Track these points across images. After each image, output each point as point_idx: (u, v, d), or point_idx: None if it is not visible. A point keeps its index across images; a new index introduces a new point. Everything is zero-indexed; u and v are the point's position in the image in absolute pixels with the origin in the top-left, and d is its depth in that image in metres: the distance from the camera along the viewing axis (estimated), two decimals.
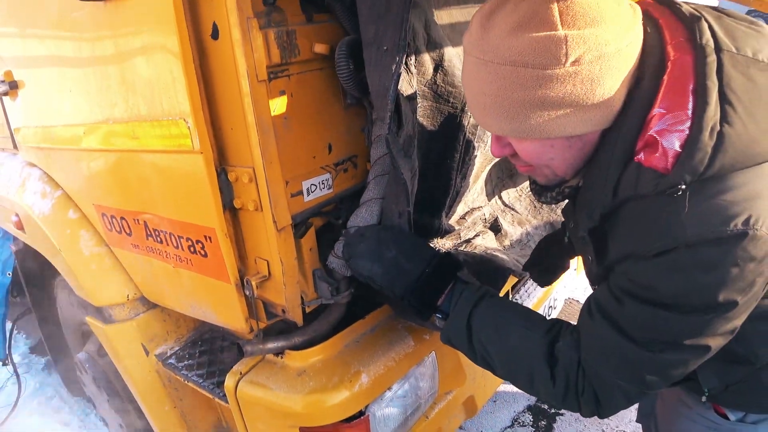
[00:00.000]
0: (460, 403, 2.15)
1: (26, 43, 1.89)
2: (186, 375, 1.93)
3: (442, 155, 1.71)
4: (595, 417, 1.21)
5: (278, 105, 1.36)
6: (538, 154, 1.06)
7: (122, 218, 1.83)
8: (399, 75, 1.27)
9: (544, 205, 2.41)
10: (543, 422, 3.13)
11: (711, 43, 0.95)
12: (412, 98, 1.42)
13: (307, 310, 1.59)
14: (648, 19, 1.03)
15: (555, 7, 0.90)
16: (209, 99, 1.37)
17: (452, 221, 2.01)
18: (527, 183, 2.45)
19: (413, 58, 1.38)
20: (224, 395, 1.75)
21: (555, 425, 3.11)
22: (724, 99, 0.90)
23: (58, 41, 1.70)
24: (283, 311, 1.55)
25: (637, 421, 1.85)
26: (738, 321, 0.99)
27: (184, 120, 1.35)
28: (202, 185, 1.40)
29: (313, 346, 1.68)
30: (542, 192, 1.23)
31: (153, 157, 1.55)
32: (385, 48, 1.29)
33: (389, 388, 1.74)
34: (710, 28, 0.97)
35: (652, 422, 1.63)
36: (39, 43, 1.83)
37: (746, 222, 0.88)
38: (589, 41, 0.91)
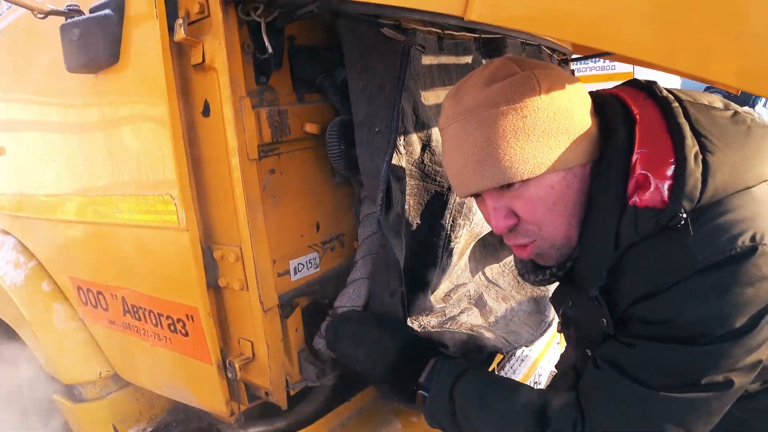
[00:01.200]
0: None
1: (10, 110, 1.88)
2: None
3: (428, 233, 1.69)
4: None
5: (268, 183, 1.34)
6: (541, 200, 1.04)
7: (99, 292, 1.77)
8: (391, 156, 1.26)
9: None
10: None
11: (670, 95, 1.03)
12: (401, 178, 1.42)
13: (292, 393, 1.52)
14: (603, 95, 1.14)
15: (513, 61, 1.06)
16: (197, 176, 1.35)
17: (437, 299, 1.98)
18: (510, 257, 2.45)
19: (402, 138, 1.39)
20: None
21: None
22: (697, 134, 0.95)
23: (43, 110, 1.69)
24: (267, 394, 1.49)
25: None
26: (758, 353, 0.92)
27: (171, 196, 1.33)
28: (187, 263, 1.36)
29: (297, 430, 1.60)
30: (535, 272, 1.22)
31: (135, 232, 1.51)
32: (377, 129, 1.29)
33: None
34: (665, 89, 1.07)
35: None
36: (24, 111, 1.81)
37: (753, 238, 0.89)
38: (551, 77, 1.03)
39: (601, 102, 1.11)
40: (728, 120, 1.00)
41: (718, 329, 0.90)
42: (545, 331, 2.26)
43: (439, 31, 1.65)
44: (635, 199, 0.96)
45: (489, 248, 2.30)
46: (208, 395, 1.54)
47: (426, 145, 1.47)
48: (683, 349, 0.93)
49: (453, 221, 1.68)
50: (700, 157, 0.93)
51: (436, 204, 1.62)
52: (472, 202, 1.72)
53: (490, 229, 2.07)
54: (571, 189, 1.05)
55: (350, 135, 1.36)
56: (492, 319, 2.12)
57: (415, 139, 1.44)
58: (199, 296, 1.38)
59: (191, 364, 1.53)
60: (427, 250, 1.71)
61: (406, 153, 1.40)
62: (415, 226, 1.63)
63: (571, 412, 1.06)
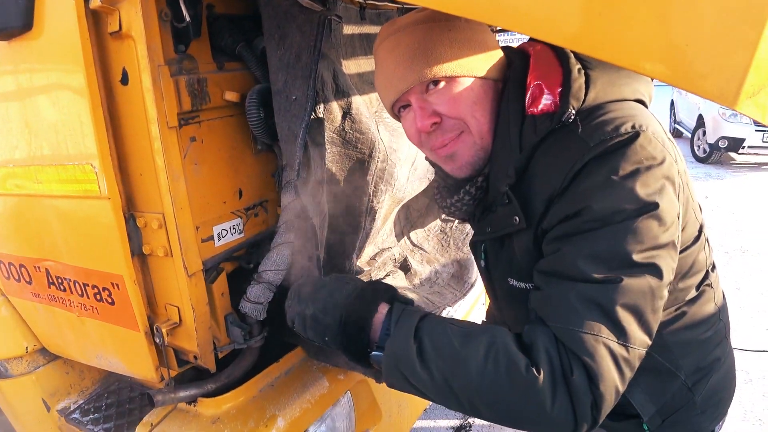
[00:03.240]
0: None
1: None
2: (92, 430, 1.84)
3: (350, 199, 1.76)
4: None
5: (189, 151, 1.37)
6: (464, 98, 1.16)
7: (21, 266, 1.75)
8: (308, 123, 1.31)
9: (451, 244, 2.50)
10: None
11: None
12: (320, 144, 1.47)
13: (220, 355, 1.57)
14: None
15: None
16: (118, 144, 1.36)
17: (363, 262, 2.05)
18: (435, 223, 2.55)
19: (322, 106, 1.44)
20: None
21: None
22: (581, 61, 1.13)
23: None
24: (195, 358, 1.53)
25: None
26: (671, 231, 1.01)
27: (91, 165, 1.34)
28: (110, 231, 1.38)
29: (227, 392, 1.65)
30: (451, 194, 1.30)
31: (57, 203, 1.51)
32: (294, 97, 1.33)
33: (306, 431, 1.74)
34: None
35: None
36: None
37: (633, 126, 1.02)
38: None
39: (502, 47, 1.28)
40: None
41: (628, 206, 0.98)
42: (468, 291, 2.38)
43: (361, 0, 1.69)
44: (532, 109, 1.12)
45: (414, 214, 2.39)
46: (138, 362, 1.57)
47: (347, 113, 1.53)
48: (603, 233, 1.00)
49: (375, 187, 1.75)
50: (583, 70, 1.11)
51: (358, 170, 1.69)
52: (393, 168, 1.79)
53: (413, 195, 2.16)
54: (487, 96, 1.19)
55: (270, 103, 1.40)
56: (417, 281, 2.22)
57: (335, 107, 1.49)
58: (123, 264, 1.40)
59: (119, 333, 1.55)
60: (350, 215, 1.77)
61: (326, 120, 1.45)
62: (337, 193, 1.69)
63: (543, 327, 1.04)
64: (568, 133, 1.06)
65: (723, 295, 1.36)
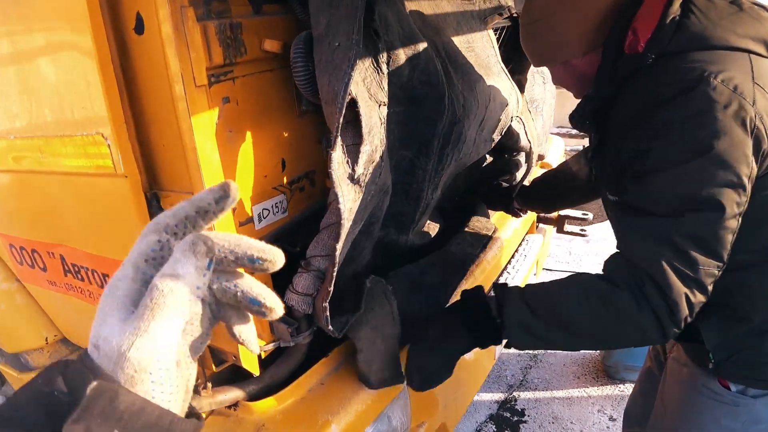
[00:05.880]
0: None
1: None
2: None
3: (413, 165, 1.50)
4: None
5: (221, 115, 1.11)
6: (558, 77, 1.46)
7: (33, 251, 1.54)
8: (349, 77, 1.04)
9: None
10: (507, 430, 3.00)
11: None
12: (382, 105, 1.20)
13: (263, 355, 1.34)
14: None
15: None
16: (134, 110, 1.11)
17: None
18: None
19: (385, 54, 1.16)
20: None
21: None
22: (685, 5, 1.19)
23: None
24: (235, 357, 1.31)
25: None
26: (735, 170, 1.10)
27: (102, 136, 1.09)
28: (128, 215, 1.14)
29: (272, 394, 1.43)
30: (576, 116, 1.42)
31: (65, 180, 1.27)
32: (337, 44, 1.06)
33: None
34: None
35: (659, 400, 1.66)
36: None
37: (702, 73, 1.10)
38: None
39: None
40: (725, 1, 1.22)
41: (689, 148, 1.10)
42: None
43: None
44: (626, 49, 1.25)
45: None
46: None
47: (416, 65, 1.25)
48: (663, 175, 1.14)
49: (441, 150, 1.48)
50: (677, 20, 1.18)
51: (423, 133, 1.42)
52: (462, 129, 1.53)
53: (477, 158, 1.91)
54: (591, 60, 1.36)
55: None
56: None
57: (402, 56, 1.21)
58: None
59: None
60: (411, 183, 1.52)
61: (390, 72, 1.18)
62: (398, 158, 1.43)
63: (619, 257, 1.24)
64: (647, 75, 1.20)
65: None
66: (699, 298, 1.15)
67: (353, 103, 1.09)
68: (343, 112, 1.06)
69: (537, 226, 2.97)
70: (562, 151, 3.48)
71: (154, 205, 1.14)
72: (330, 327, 1.25)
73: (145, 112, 1.11)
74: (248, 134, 1.19)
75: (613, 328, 1.20)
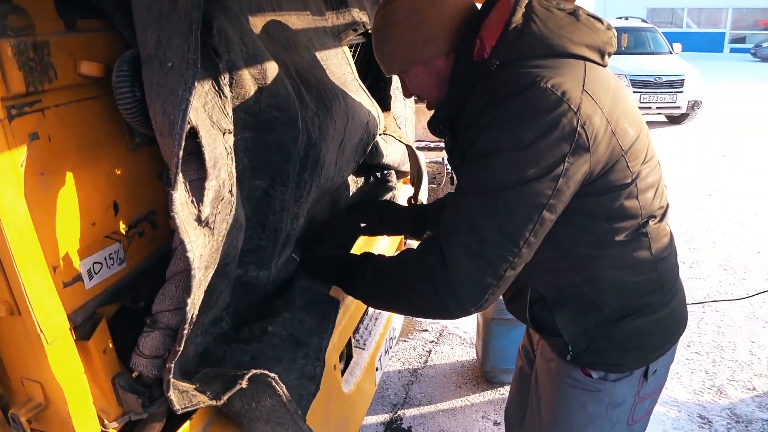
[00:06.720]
0: None
1: None
2: None
3: (268, 196, 1.36)
4: None
5: (29, 155, 0.91)
6: (417, 82, 1.47)
7: None
8: (188, 102, 0.89)
9: None
10: None
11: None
12: (227, 133, 1.05)
13: None
14: None
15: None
16: None
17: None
18: None
19: (226, 76, 1.02)
20: None
21: None
22: (527, 15, 1.26)
23: None
24: None
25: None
26: (546, 169, 1.17)
27: None
28: None
29: None
30: (433, 122, 1.48)
31: None
32: (170, 64, 0.91)
33: None
34: None
35: (533, 396, 1.72)
36: None
37: (535, 78, 1.18)
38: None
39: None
40: (563, 12, 1.30)
41: (500, 146, 1.19)
42: None
43: None
44: (475, 57, 1.31)
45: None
46: None
47: (262, 85, 1.12)
48: (483, 164, 1.22)
49: (299, 176, 1.36)
50: (519, 29, 1.25)
51: (276, 159, 1.29)
52: (320, 153, 1.41)
53: (341, 181, 1.80)
54: (431, 74, 1.44)
55: None
56: None
57: (247, 76, 1.08)
58: None
59: None
60: (267, 215, 1.38)
61: (234, 96, 1.03)
62: (249, 190, 1.28)
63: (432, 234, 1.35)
64: (490, 80, 1.26)
65: (668, 248, 1.45)
66: (484, 273, 1.22)
67: (193, 133, 0.93)
68: (183, 144, 0.90)
69: (405, 243, 2.94)
70: (423, 164, 3.49)
71: None
72: (170, 395, 1.07)
73: None
74: (68, 175, 0.99)
75: (410, 296, 1.32)
